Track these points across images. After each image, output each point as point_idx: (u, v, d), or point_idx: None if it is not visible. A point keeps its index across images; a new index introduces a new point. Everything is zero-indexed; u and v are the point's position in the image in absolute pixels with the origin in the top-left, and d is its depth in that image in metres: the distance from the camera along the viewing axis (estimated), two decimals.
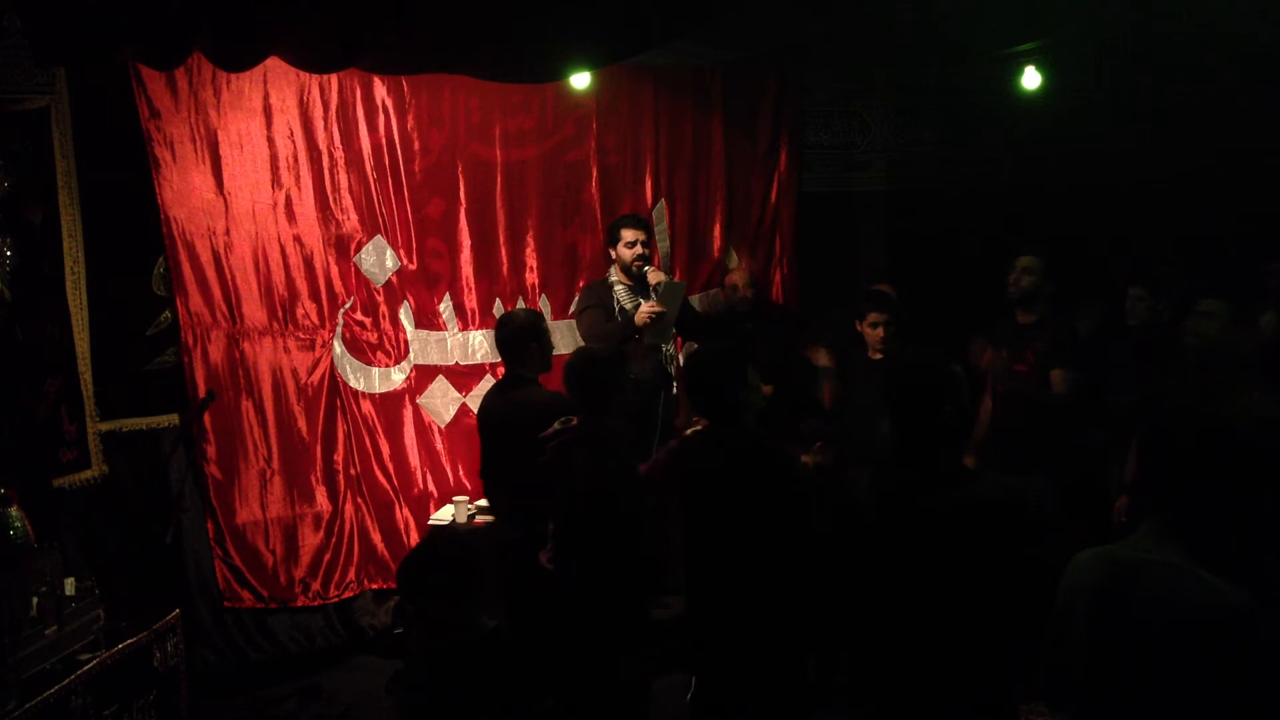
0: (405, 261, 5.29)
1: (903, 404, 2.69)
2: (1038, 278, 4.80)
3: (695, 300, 5.95)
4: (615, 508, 3.47)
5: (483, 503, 4.96)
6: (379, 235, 5.22)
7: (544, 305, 5.56)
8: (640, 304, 4.93)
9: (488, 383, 5.35)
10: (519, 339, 4.26)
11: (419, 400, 5.36)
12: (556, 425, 3.65)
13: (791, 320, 6.15)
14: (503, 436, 4.21)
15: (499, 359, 4.72)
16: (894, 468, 2.70)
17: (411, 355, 5.34)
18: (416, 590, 2.72)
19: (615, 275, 5.14)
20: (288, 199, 5.01)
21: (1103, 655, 2.12)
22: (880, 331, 5.01)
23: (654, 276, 4.99)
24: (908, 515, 2.60)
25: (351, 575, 5.18)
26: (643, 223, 5.17)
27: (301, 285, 5.07)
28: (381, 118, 5.18)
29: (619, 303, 5.06)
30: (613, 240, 5.13)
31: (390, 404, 5.30)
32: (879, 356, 5.01)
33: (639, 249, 5.03)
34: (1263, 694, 1.94)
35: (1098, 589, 2.13)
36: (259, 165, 4.94)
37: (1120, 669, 2.08)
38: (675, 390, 5.03)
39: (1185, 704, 2.00)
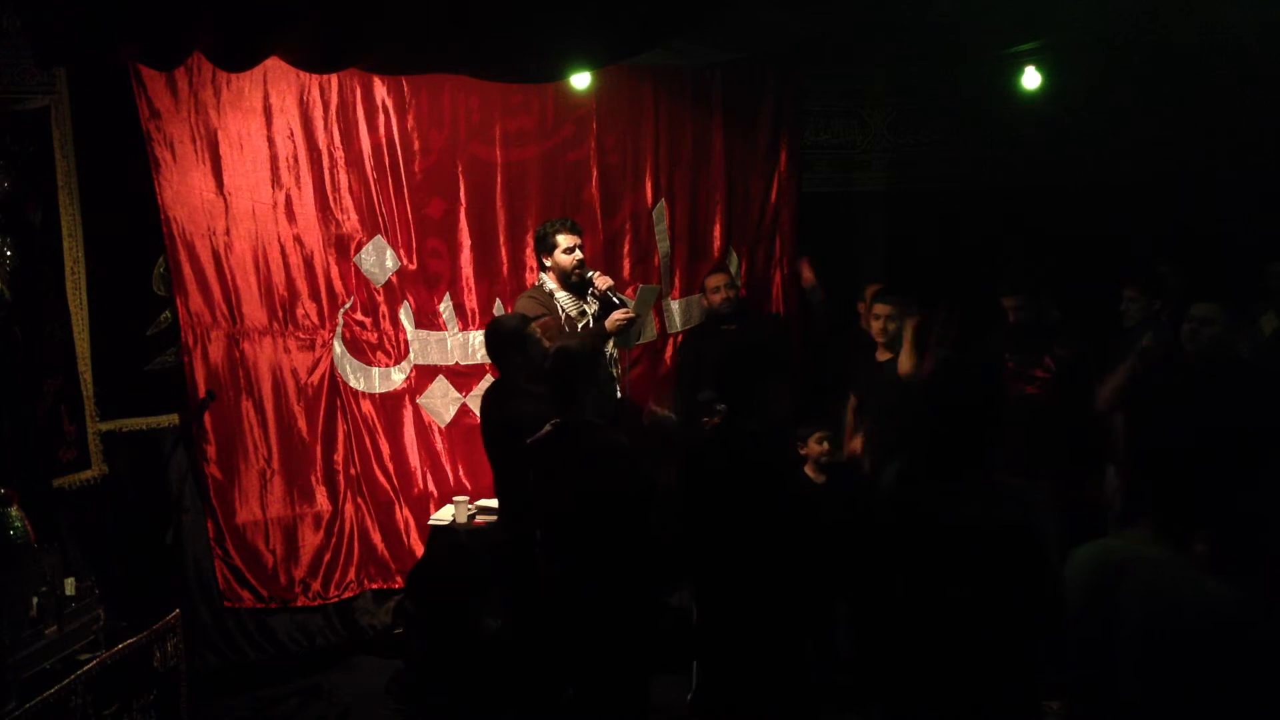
0: (405, 261, 5.29)
1: (947, 413, 2.61)
2: (1028, 310, 4.81)
3: (695, 301, 5.96)
4: (609, 503, 3.48)
5: (483, 502, 4.96)
6: (379, 235, 5.23)
7: None
8: (585, 310, 4.87)
9: (488, 383, 5.35)
10: (503, 346, 4.23)
11: (419, 400, 5.36)
12: (547, 429, 3.66)
13: (784, 320, 6.15)
14: (497, 443, 4.22)
15: None
16: (917, 466, 2.66)
17: (411, 355, 5.34)
18: (424, 595, 2.72)
19: (551, 283, 4.89)
20: (288, 199, 5.01)
21: (1091, 649, 2.11)
22: (880, 324, 4.97)
23: (602, 281, 4.85)
24: (919, 523, 2.57)
25: (351, 575, 5.18)
26: (577, 227, 4.95)
27: (301, 285, 5.07)
28: (381, 118, 5.18)
29: (564, 311, 4.85)
30: (546, 248, 4.85)
31: (390, 404, 5.30)
32: (887, 357, 4.99)
33: (577, 254, 4.84)
34: (1250, 692, 1.93)
35: (1087, 584, 2.13)
36: (259, 165, 4.94)
37: (1109, 663, 2.08)
38: (620, 395, 4.93)
39: (1172, 700, 1.99)
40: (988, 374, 2.77)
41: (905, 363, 4.76)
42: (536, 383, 3.91)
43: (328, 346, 5.15)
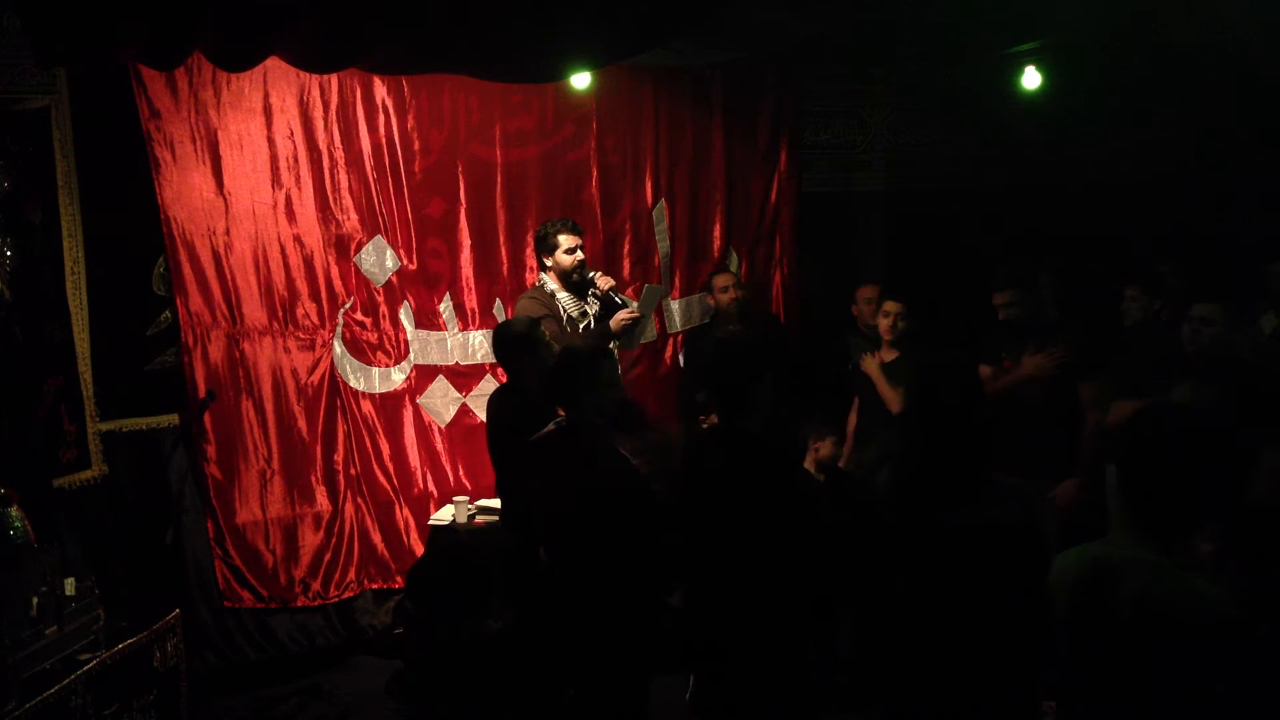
0: (405, 261, 5.29)
1: (931, 412, 2.62)
2: (1020, 307, 4.79)
3: (695, 301, 5.96)
4: (610, 502, 3.48)
5: (483, 502, 4.96)
6: (379, 235, 5.22)
7: None
8: (586, 311, 4.88)
9: (488, 383, 5.36)
10: (512, 349, 4.23)
11: (419, 400, 5.36)
12: (549, 428, 3.66)
13: (785, 321, 6.15)
14: (501, 446, 4.22)
15: None
16: (916, 468, 2.66)
17: (411, 355, 5.34)
18: (424, 594, 2.72)
19: (553, 283, 4.92)
20: (288, 199, 5.01)
21: (1081, 652, 2.11)
22: (889, 321, 4.96)
23: (604, 281, 4.87)
24: (922, 525, 2.57)
25: (351, 575, 5.18)
26: (578, 227, 4.98)
27: (301, 285, 5.07)
28: (381, 118, 5.18)
29: (565, 311, 4.87)
30: (547, 248, 4.89)
31: (390, 404, 5.30)
32: (893, 356, 4.98)
33: (578, 255, 4.86)
34: (1249, 693, 1.93)
35: (1076, 587, 2.12)
36: (259, 165, 4.94)
37: (1098, 666, 2.08)
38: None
39: (1163, 702, 1.99)
40: (967, 366, 2.76)
41: (895, 405, 4.77)
42: (542, 385, 3.91)
43: (328, 346, 5.15)
